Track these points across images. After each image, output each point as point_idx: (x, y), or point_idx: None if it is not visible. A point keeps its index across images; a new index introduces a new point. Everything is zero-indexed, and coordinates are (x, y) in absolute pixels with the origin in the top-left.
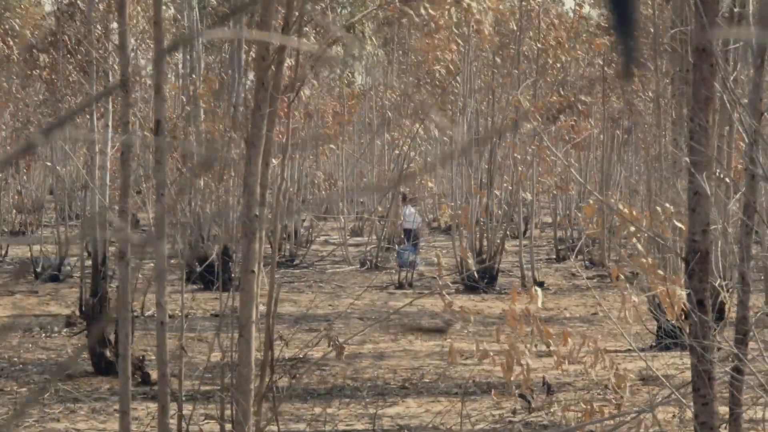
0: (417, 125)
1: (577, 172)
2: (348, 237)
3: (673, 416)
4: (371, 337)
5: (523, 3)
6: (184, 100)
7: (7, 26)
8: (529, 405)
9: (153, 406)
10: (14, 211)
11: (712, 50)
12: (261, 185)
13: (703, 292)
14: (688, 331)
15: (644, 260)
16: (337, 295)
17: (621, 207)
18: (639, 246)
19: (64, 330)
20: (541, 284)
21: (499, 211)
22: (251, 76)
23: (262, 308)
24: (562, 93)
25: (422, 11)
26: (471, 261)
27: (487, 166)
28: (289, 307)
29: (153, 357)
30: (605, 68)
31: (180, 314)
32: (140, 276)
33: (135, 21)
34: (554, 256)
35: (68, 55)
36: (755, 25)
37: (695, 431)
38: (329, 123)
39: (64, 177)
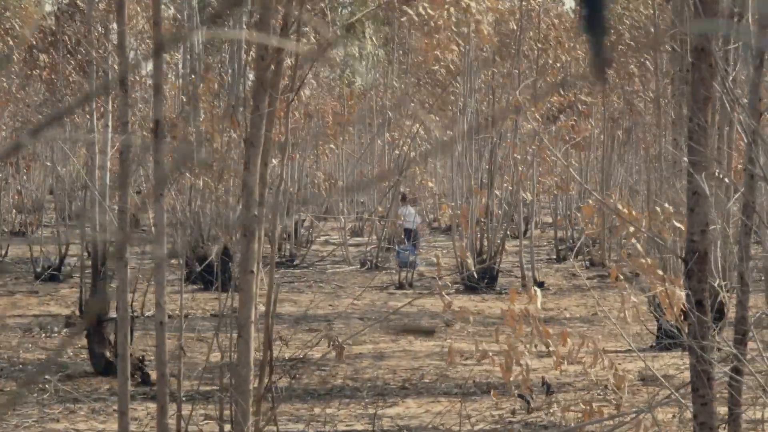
0: (417, 125)
1: (578, 172)
2: (348, 237)
3: (673, 416)
4: (371, 338)
5: (524, 3)
6: (184, 99)
7: (7, 26)
8: (529, 405)
9: (153, 407)
10: (14, 211)
11: (711, 50)
12: (260, 185)
13: (701, 293)
14: (687, 331)
15: (643, 261)
16: (337, 296)
17: (620, 207)
18: (638, 246)
19: (64, 330)
20: (541, 284)
21: (500, 211)
22: (252, 76)
23: (262, 308)
24: (562, 93)
25: (421, 10)
26: (470, 261)
27: (487, 166)
28: (289, 307)
29: (153, 357)
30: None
31: (179, 314)
32: (140, 276)
33: (135, 21)
34: (555, 257)
35: (68, 55)
36: (754, 25)
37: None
38: (329, 123)
39: (64, 177)
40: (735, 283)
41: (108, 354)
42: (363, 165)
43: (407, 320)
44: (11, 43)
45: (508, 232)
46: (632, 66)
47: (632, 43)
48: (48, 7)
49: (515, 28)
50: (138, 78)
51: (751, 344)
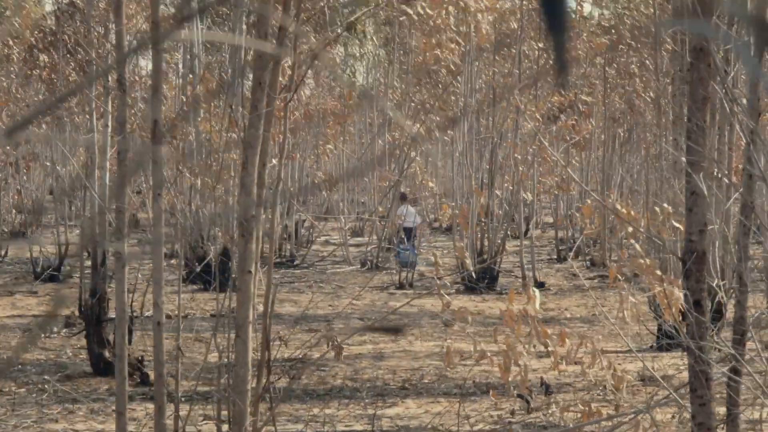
0: (417, 125)
1: (579, 172)
2: (348, 237)
3: (672, 417)
4: (371, 338)
5: (524, 2)
6: (183, 99)
7: (10, 25)
8: (529, 406)
9: (152, 407)
10: (14, 211)
11: (710, 50)
12: (258, 185)
13: (700, 293)
14: (685, 331)
15: (642, 261)
16: (338, 296)
17: (619, 207)
18: (637, 246)
19: (64, 330)
20: (541, 285)
21: (500, 211)
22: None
23: (261, 309)
24: (562, 93)
25: (420, 9)
26: (468, 261)
27: (488, 166)
28: (289, 307)
29: (152, 357)
30: (606, 68)
31: (178, 314)
32: (140, 276)
33: (134, 21)
34: (555, 257)
35: (68, 55)
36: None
37: None
38: (330, 123)
39: (64, 177)
40: (734, 283)
41: (107, 354)
42: (364, 165)
43: (406, 320)
44: (11, 42)
45: (509, 232)
46: (633, 66)
47: (633, 42)
48: (48, 7)
49: (516, 27)
50: (138, 78)
51: (750, 344)
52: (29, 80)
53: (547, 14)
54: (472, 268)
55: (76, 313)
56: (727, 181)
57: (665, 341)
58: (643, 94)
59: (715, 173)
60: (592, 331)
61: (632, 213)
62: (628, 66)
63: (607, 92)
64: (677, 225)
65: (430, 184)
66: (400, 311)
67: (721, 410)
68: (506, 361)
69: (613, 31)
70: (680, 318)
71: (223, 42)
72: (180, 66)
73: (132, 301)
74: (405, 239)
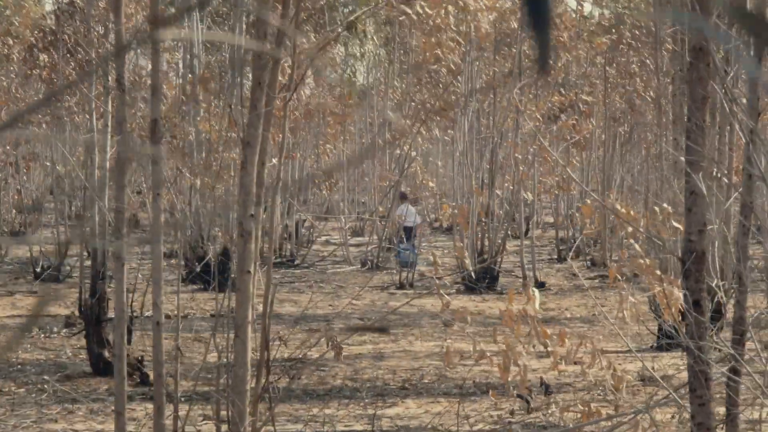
0: (418, 125)
1: (579, 172)
2: (349, 237)
3: (672, 417)
4: (371, 338)
5: None
6: (183, 99)
7: (9, 24)
8: (529, 406)
9: (151, 407)
10: (14, 211)
11: (709, 49)
12: (257, 185)
13: (699, 293)
14: (684, 331)
15: (642, 261)
16: (338, 296)
17: (619, 207)
18: (636, 246)
19: (63, 330)
20: (542, 285)
21: (501, 211)
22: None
23: (261, 309)
24: (563, 92)
25: (419, 9)
26: (468, 261)
27: (488, 166)
28: (289, 307)
29: (151, 358)
30: (606, 67)
31: (177, 314)
32: (140, 276)
33: (133, 20)
34: (556, 257)
35: (68, 55)
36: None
37: None
38: (330, 122)
39: (64, 177)
40: (733, 283)
41: (107, 354)
42: (364, 165)
43: (407, 320)
44: (11, 42)
45: (509, 232)
46: (634, 65)
47: (633, 42)
48: (48, 7)
49: (516, 26)
50: (138, 78)
51: (749, 344)
52: (29, 80)
53: (530, 9)
54: (471, 269)
55: (76, 313)
56: (726, 181)
57: (665, 341)
58: (643, 94)
59: (714, 173)
60: (593, 331)
61: (632, 213)
62: (628, 66)
63: (607, 92)
64: (677, 225)
65: (431, 184)
66: (400, 311)
67: (721, 410)
68: (505, 361)
69: (613, 30)
70: (680, 318)
71: (222, 42)
72: (180, 66)
73: (132, 301)
74: (405, 239)
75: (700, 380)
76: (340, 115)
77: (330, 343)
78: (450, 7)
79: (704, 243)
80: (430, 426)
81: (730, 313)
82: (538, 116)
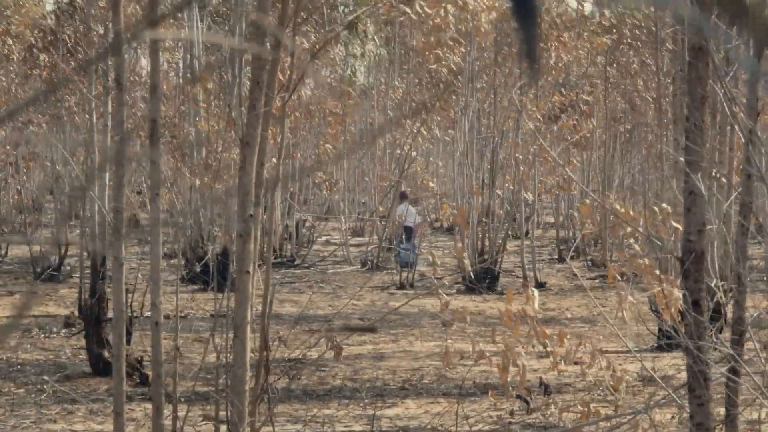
0: (418, 125)
1: (580, 172)
2: (349, 237)
3: (672, 417)
4: (371, 338)
5: None
6: (182, 99)
7: (8, 24)
8: (528, 406)
9: (150, 407)
10: (14, 211)
11: (708, 49)
12: (256, 185)
13: (698, 293)
14: (684, 331)
15: (641, 261)
16: (338, 296)
17: (618, 207)
18: (636, 246)
19: (63, 330)
20: (542, 285)
21: (501, 211)
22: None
23: (260, 309)
24: (563, 92)
25: (418, 8)
26: (467, 262)
27: (489, 166)
28: (289, 307)
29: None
30: (607, 67)
31: (176, 315)
32: (140, 276)
33: (133, 20)
34: (556, 257)
35: (68, 55)
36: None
37: None
38: (330, 122)
39: (64, 177)
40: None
41: (106, 354)
42: (364, 165)
43: (407, 320)
44: (11, 41)
45: (510, 232)
46: (634, 65)
47: (633, 42)
48: (48, 6)
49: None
50: (138, 78)
51: (749, 345)
52: (29, 80)
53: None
54: (470, 269)
55: (76, 313)
56: (725, 181)
57: (666, 342)
58: (644, 94)
59: (714, 173)
60: (593, 332)
61: (631, 213)
62: (629, 65)
63: (608, 92)
64: (676, 225)
65: (431, 184)
66: (400, 311)
67: (721, 411)
68: (504, 361)
69: (614, 30)
70: (679, 318)
71: (221, 44)
72: (180, 65)
73: (132, 302)
74: (405, 239)
75: (699, 380)
76: (340, 115)
77: (329, 344)
78: (449, 7)
79: (703, 243)
80: (429, 426)
81: (731, 313)
82: (539, 116)
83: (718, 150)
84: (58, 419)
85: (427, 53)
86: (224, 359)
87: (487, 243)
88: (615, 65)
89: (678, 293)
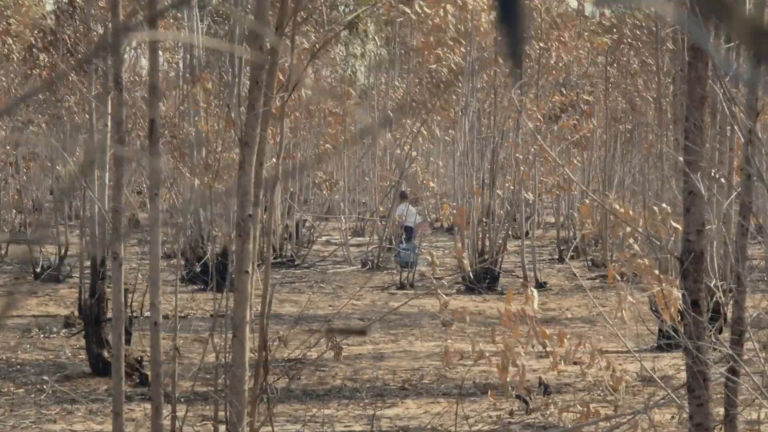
0: (419, 125)
1: (580, 172)
2: (349, 237)
3: (672, 417)
4: (371, 338)
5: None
6: (181, 99)
7: (7, 24)
8: (528, 406)
9: (150, 407)
10: (14, 211)
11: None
12: (255, 185)
13: (697, 293)
14: (683, 331)
15: (641, 261)
16: (338, 296)
17: (617, 207)
18: (636, 246)
19: (63, 330)
20: (543, 285)
21: (501, 211)
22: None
23: (259, 309)
24: (564, 92)
25: (417, 8)
26: (466, 262)
27: (489, 166)
28: (289, 307)
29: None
30: (608, 67)
31: (175, 315)
32: (139, 276)
33: (133, 20)
34: (557, 257)
35: (68, 55)
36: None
37: None
38: (331, 122)
39: (64, 177)
40: (732, 283)
41: (106, 354)
42: (365, 165)
43: (407, 320)
44: (11, 41)
45: (510, 232)
46: (635, 65)
47: (634, 42)
48: (48, 6)
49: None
50: (138, 78)
51: (748, 345)
52: (29, 80)
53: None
54: (469, 269)
55: (76, 313)
56: (725, 181)
57: (665, 342)
58: (644, 94)
59: (713, 173)
60: (593, 332)
61: (631, 213)
62: (629, 65)
63: (608, 92)
64: (676, 225)
65: (431, 184)
66: (400, 311)
67: (720, 411)
68: (504, 361)
69: (614, 30)
70: (679, 318)
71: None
72: (180, 65)
73: (132, 302)
74: (405, 239)
75: (698, 380)
76: (340, 115)
77: (329, 344)
78: (449, 6)
79: (703, 243)
80: (429, 426)
81: (730, 313)
82: (539, 116)
83: (717, 150)
84: (57, 419)
85: (427, 53)
86: (223, 359)
87: (487, 243)
88: (615, 65)
89: (677, 293)
